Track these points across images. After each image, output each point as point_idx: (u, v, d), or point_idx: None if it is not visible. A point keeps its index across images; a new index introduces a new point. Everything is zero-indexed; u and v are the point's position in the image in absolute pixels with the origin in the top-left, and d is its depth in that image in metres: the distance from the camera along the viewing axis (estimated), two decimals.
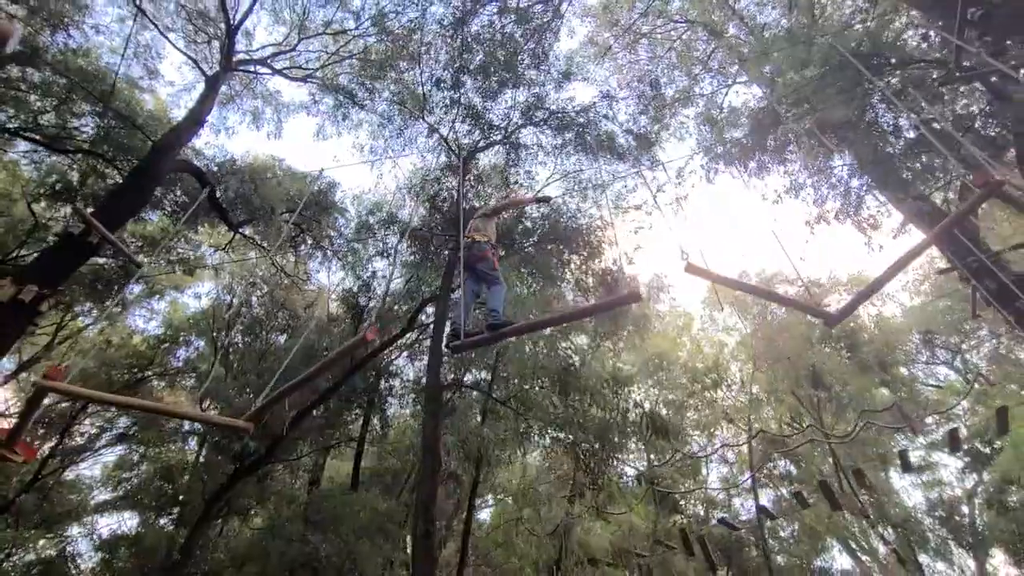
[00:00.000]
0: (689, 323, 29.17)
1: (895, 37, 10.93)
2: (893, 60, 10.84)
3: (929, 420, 24.44)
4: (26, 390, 19.66)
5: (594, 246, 11.21)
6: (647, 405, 12.23)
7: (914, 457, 26.45)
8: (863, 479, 11.09)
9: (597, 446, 10.28)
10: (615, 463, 11.03)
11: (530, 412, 10.03)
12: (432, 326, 10.48)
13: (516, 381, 10.84)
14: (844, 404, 22.15)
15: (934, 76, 10.36)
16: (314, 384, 10.74)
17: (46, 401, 18.08)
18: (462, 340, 4.13)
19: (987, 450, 23.02)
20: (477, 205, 11.90)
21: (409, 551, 11.14)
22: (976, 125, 10.73)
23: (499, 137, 11.91)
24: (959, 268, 9.97)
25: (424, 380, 10.96)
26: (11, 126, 12.67)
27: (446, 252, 9.27)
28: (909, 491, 27.29)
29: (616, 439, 10.44)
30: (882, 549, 24.03)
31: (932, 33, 10.41)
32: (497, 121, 11.97)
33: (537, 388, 10.29)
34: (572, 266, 11.60)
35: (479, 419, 11.01)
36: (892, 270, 5.50)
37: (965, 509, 25.27)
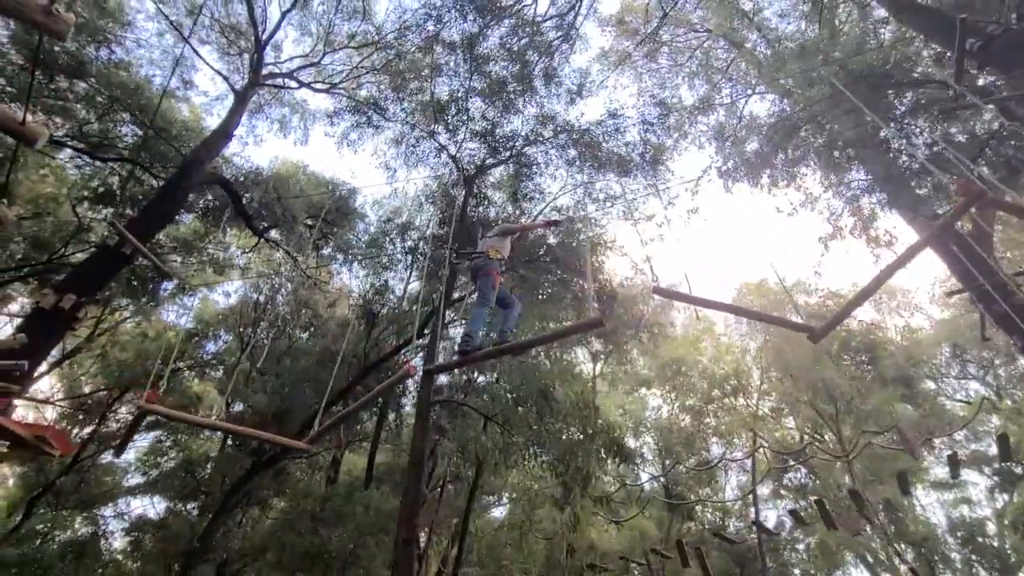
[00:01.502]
0: (709, 328, 28.89)
1: (911, 56, 10.82)
2: (909, 79, 10.75)
3: (959, 436, 23.78)
4: (71, 377, 21.03)
5: (595, 264, 11.40)
6: (614, 432, 12.39)
7: (942, 474, 25.78)
8: (860, 500, 11.04)
9: (569, 466, 10.55)
10: (592, 479, 11.26)
11: (514, 429, 10.37)
12: (428, 340, 10.89)
13: (506, 397, 11.18)
14: (863, 418, 21.73)
15: (950, 94, 10.25)
16: (331, 384, 11.28)
17: (86, 389, 19.20)
18: (434, 365, 4.41)
19: (1019, 470, 22.30)
20: (491, 218, 12.21)
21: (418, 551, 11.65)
22: (993, 142, 10.55)
23: (507, 155, 12.21)
24: (967, 291, 9.89)
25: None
26: (58, 135, 13.62)
27: (452, 263, 9.62)
28: (935, 508, 26.61)
29: (581, 461, 10.67)
30: (902, 568, 23.51)
31: (948, 53, 10.30)
32: (506, 139, 12.28)
33: (518, 407, 10.59)
34: (574, 285, 11.80)
35: (483, 425, 11.41)
36: (875, 283, 5.55)
37: (992, 529, 24.53)
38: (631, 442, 24.54)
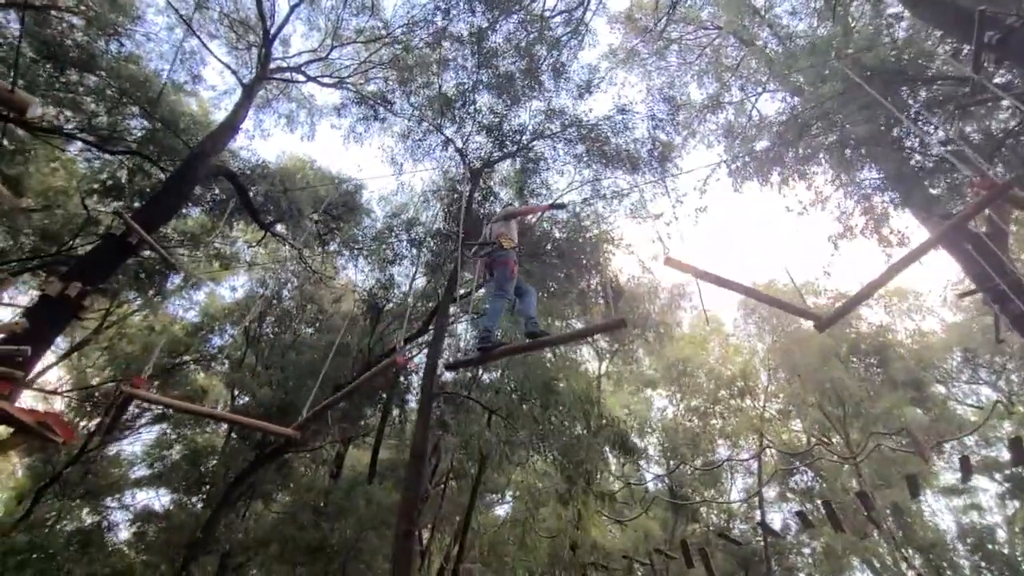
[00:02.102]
0: (718, 328, 28.71)
1: (927, 52, 10.63)
2: (924, 75, 10.57)
3: (969, 441, 23.48)
4: (79, 369, 21.20)
5: (602, 261, 11.32)
6: (617, 426, 12.26)
7: (952, 479, 25.45)
8: (868, 502, 10.89)
9: (572, 460, 10.44)
10: (596, 475, 11.15)
11: (517, 423, 10.28)
12: (432, 335, 10.81)
13: (510, 391, 11.13)
14: (872, 421, 21.49)
15: (965, 91, 10.07)
16: (333, 380, 11.27)
17: (94, 381, 19.31)
18: (454, 360, 4.36)
19: None
20: (497, 211, 12.13)
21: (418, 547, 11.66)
22: (1009, 141, 10.36)
23: (514, 149, 12.15)
24: (981, 291, 9.70)
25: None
26: (68, 128, 13.71)
27: (464, 256, 9.52)
28: (944, 514, 26.29)
29: (583, 455, 10.56)
30: (910, 574, 23.24)
31: (966, 48, 10.11)
32: (513, 134, 12.21)
33: (522, 403, 10.51)
34: (581, 281, 11.70)
35: (487, 420, 11.32)
36: (885, 276, 5.43)
37: (1003, 536, 24.21)
38: (636, 442, 24.41)
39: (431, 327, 11.89)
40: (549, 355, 13.69)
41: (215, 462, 15.03)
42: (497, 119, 11.92)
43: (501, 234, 5.31)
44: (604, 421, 11.21)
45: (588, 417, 10.84)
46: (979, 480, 24.55)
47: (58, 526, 13.37)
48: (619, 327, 4.28)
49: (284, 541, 11.90)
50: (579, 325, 12.74)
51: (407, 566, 7.25)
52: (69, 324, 8.15)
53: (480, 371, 15.26)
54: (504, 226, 5.44)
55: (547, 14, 13.07)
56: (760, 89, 16.98)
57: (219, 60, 13.55)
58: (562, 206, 6.84)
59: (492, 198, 12.29)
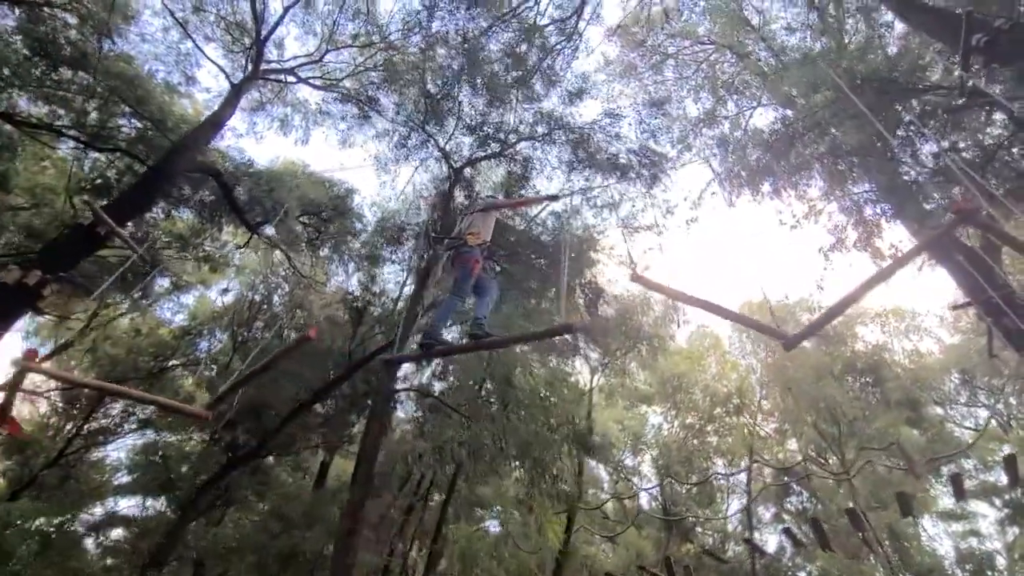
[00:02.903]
0: (716, 343, 28.41)
1: (921, 65, 10.57)
2: (916, 85, 10.49)
3: (968, 465, 23.08)
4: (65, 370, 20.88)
5: (580, 257, 11.16)
6: (579, 423, 11.88)
7: (950, 503, 24.94)
8: (859, 520, 10.55)
9: (530, 457, 10.13)
10: (558, 477, 10.80)
11: (481, 423, 9.99)
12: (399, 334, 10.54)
13: (477, 388, 10.88)
14: (866, 440, 21.10)
15: (959, 101, 9.99)
16: (309, 382, 11.01)
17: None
18: (393, 355, 4.24)
19: None
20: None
21: (387, 555, 11.31)
22: (1001, 152, 10.24)
23: (498, 149, 12.07)
24: (974, 305, 9.50)
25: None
26: (59, 125, 13.64)
27: (434, 249, 9.34)
28: (942, 539, 25.73)
29: (541, 455, 10.22)
30: None
31: (957, 58, 10.05)
32: (498, 134, 12.13)
33: (486, 397, 10.26)
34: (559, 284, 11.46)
35: (463, 425, 11.00)
36: (858, 292, 5.28)
37: (1002, 563, 23.67)
38: (628, 460, 24.11)
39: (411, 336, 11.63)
40: (541, 369, 13.33)
41: (186, 466, 14.68)
42: (483, 120, 11.84)
43: (471, 226, 5.08)
44: (565, 415, 10.88)
45: (547, 413, 10.50)
46: (978, 506, 24.12)
47: (25, 529, 12.97)
48: (566, 332, 4.15)
49: (258, 549, 11.53)
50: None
51: (348, 564, 6.94)
52: (26, 312, 7.95)
53: (472, 383, 14.95)
54: (481, 218, 5.19)
55: (540, 19, 13.09)
56: (755, 103, 16.98)
57: (210, 59, 13.53)
58: (556, 197, 6.55)
59: (479, 200, 12.14)
